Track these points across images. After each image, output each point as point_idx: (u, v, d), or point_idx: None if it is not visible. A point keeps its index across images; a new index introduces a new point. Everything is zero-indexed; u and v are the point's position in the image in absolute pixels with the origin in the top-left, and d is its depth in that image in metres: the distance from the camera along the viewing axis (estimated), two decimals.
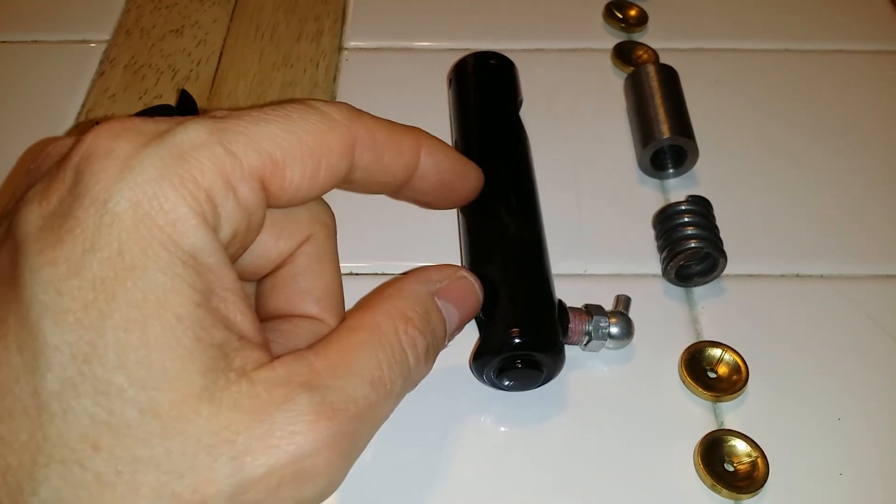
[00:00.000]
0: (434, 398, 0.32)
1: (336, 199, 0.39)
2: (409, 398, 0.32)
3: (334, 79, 0.45)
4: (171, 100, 0.43)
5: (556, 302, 0.32)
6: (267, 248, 0.25)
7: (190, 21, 0.48)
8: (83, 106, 0.43)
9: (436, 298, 0.27)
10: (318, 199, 0.27)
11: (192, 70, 0.45)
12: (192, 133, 0.21)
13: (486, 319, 0.31)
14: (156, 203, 0.20)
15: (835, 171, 0.41)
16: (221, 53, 0.46)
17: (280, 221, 0.25)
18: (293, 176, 0.23)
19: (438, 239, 0.37)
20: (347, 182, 0.25)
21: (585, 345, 0.32)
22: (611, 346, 0.32)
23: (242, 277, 0.26)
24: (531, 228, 0.33)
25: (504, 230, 0.32)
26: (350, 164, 0.24)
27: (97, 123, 0.21)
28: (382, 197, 0.39)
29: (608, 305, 0.34)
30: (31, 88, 0.45)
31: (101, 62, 0.46)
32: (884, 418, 0.32)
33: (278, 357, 0.22)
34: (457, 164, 0.29)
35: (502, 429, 0.32)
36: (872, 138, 0.42)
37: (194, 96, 0.41)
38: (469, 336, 0.33)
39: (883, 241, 0.38)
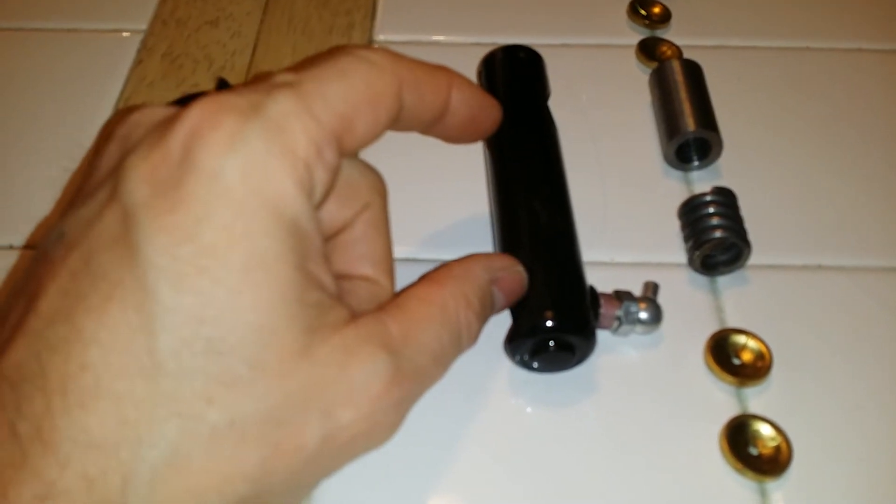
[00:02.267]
0: (467, 378, 0.33)
1: None
2: (442, 382, 0.33)
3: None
4: (208, 88, 0.44)
5: (588, 287, 0.33)
6: (333, 214, 0.27)
7: (224, 13, 0.49)
8: (122, 93, 0.44)
9: (492, 286, 0.29)
10: (374, 168, 0.28)
11: (227, 60, 0.46)
12: (281, 104, 0.22)
13: (520, 302, 0.32)
14: (264, 175, 0.21)
15: (856, 165, 0.42)
16: (255, 45, 0.47)
17: (344, 190, 0.27)
18: (360, 128, 0.24)
19: (471, 225, 0.38)
20: (395, 122, 0.26)
21: (615, 329, 0.33)
22: (640, 331, 0.33)
23: None
24: (562, 216, 0.34)
25: (536, 217, 0.33)
26: (400, 106, 0.25)
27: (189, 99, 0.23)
28: (415, 184, 0.40)
29: (636, 292, 0.35)
30: (70, 76, 0.46)
31: (139, 51, 0.47)
32: None
33: (359, 316, 0.23)
34: (481, 99, 0.30)
35: (529, 409, 0.33)
36: (893, 134, 0.43)
37: (231, 84, 0.42)
38: (500, 318, 0.34)
39: None
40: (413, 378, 0.24)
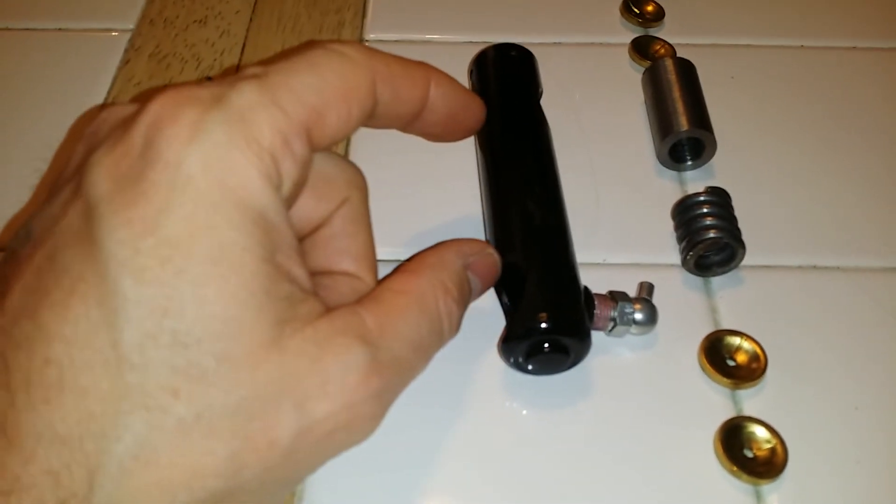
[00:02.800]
0: (461, 380, 0.33)
1: None
2: (437, 385, 0.33)
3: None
4: None
5: (582, 288, 0.32)
6: (309, 210, 0.26)
7: (213, 12, 0.49)
8: (109, 93, 0.44)
9: (468, 272, 0.29)
10: (352, 163, 0.28)
11: (215, 60, 0.46)
12: (246, 95, 0.22)
13: (514, 304, 0.31)
14: (226, 166, 0.21)
15: (851, 164, 0.41)
16: (244, 44, 0.47)
17: (320, 185, 0.26)
18: (332, 122, 0.24)
19: (464, 225, 0.38)
20: (370, 118, 0.26)
21: (610, 330, 0.33)
22: (635, 332, 0.33)
23: None
24: (556, 216, 0.34)
25: (530, 218, 0.33)
26: (374, 100, 0.25)
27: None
28: (407, 183, 0.40)
29: (630, 293, 0.34)
30: (57, 76, 0.45)
31: (126, 51, 0.46)
32: None
33: (334, 309, 0.23)
34: (462, 96, 0.30)
35: (524, 412, 0.32)
36: (888, 133, 0.43)
37: None
38: (495, 320, 0.34)
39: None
40: (392, 369, 0.23)
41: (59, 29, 0.48)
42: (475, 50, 0.42)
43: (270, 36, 0.47)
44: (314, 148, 0.24)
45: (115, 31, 0.48)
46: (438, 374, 0.33)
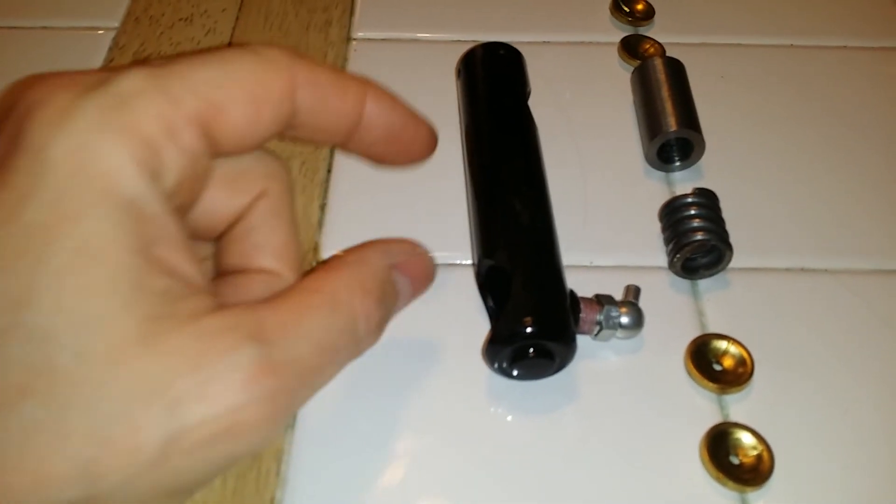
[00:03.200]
0: (444, 385, 0.32)
1: (342, 185, 0.39)
2: (419, 389, 0.32)
3: (343, 69, 0.45)
4: None
5: (568, 291, 0.32)
6: (219, 204, 0.25)
7: (199, 10, 0.48)
8: None
9: (393, 272, 0.27)
10: (273, 155, 0.27)
11: None
12: (130, 81, 0.21)
13: (499, 308, 0.31)
14: (93, 151, 0.20)
15: (840, 165, 0.41)
16: (230, 42, 0.46)
17: (232, 177, 0.25)
18: (235, 119, 0.22)
19: (448, 226, 0.37)
20: (293, 127, 0.25)
21: (596, 334, 0.33)
22: (621, 335, 0.33)
23: (199, 236, 0.26)
24: (542, 217, 0.33)
25: (516, 218, 0.33)
26: (292, 106, 0.24)
27: None
28: (389, 183, 0.39)
29: (616, 296, 0.34)
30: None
31: (111, 49, 0.46)
32: (889, 412, 0.32)
33: (228, 306, 0.21)
34: (405, 117, 0.28)
35: (509, 418, 0.32)
36: (878, 134, 0.42)
37: None
38: (478, 325, 0.34)
39: (888, 236, 0.38)
40: (290, 370, 0.21)
41: (44, 27, 0.47)
42: (464, 48, 0.42)
43: (257, 34, 0.47)
44: (218, 146, 0.22)
45: (100, 29, 0.47)
46: (421, 378, 0.33)
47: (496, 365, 0.31)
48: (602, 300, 0.33)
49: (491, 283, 0.32)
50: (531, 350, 0.30)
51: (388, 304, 0.26)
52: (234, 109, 0.22)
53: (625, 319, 0.32)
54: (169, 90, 0.21)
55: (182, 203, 0.23)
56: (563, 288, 0.32)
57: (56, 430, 0.18)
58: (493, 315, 0.32)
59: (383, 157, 0.28)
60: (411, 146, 0.29)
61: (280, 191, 0.26)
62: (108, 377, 0.19)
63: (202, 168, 0.23)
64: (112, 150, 0.20)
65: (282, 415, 0.21)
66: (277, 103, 0.23)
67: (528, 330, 0.29)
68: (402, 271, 0.27)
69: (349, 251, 0.27)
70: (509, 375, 0.32)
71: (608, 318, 0.32)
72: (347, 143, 0.27)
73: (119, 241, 0.19)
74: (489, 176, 0.35)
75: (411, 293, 0.28)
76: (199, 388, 0.19)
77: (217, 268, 0.26)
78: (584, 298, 0.32)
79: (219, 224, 0.26)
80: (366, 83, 0.26)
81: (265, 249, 0.26)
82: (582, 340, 0.33)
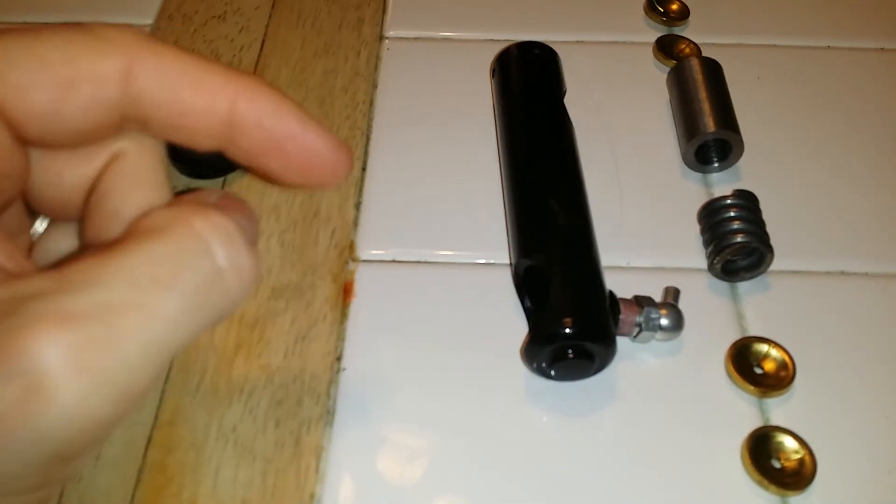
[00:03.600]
0: (482, 386, 0.32)
1: (377, 183, 0.39)
2: (458, 388, 0.32)
3: (375, 67, 0.45)
4: None
5: (608, 292, 0.32)
6: (63, 176, 0.22)
7: (232, 7, 0.48)
8: None
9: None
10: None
11: (234, 56, 0.45)
12: None
13: (537, 308, 0.31)
14: None
15: (880, 167, 0.40)
16: (264, 40, 0.46)
17: (81, 147, 0.22)
18: (36, 102, 0.20)
19: (484, 226, 0.37)
20: (140, 121, 0.21)
21: (635, 336, 0.32)
22: (660, 337, 0.32)
23: (56, 213, 0.23)
24: (580, 217, 0.33)
25: (554, 218, 0.32)
26: (124, 91, 0.20)
27: None
28: (425, 182, 0.39)
29: (655, 298, 0.34)
30: None
31: None
32: None
33: (17, 276, 0.18)
34: (292, 124, 0.22)
35: (545, 419, 0.32)
36: None
37: None
38: (516, 325, 0.33)
39: None
40: (91, 316, 0.17)
41: (78, 24, 0.47)
42: (497, 48, 0.42)
43: (290, 31, 0.47)
44: (25, 131, 0.20)
45: (137, 25, 0.47)
46: (458, 377, 0.32)
47: (535, 365, 0.31)
48: (641, 301, 0.32)
49: (529, 283, 0.32)
50: (570, 351, 0.30)
51: (241, 222, 0.21)
52: (34, 92, 0.20)
53: (665, 321, 0.32)
54: None
55: None
56: (603, 288, 0.32)
57: None
58: (531, 315, 0.32)
59: (270, 172, 0.23)
60: (304, 163, 0.23)
61: (137, 150, 0.22)
62: None
63: (7, 152, 0.20)
64: None
65: (100, 376, 0.17)
66: (96, 86, 0.20)
67: (569, 331, 0.29)
68: (225, 209, 0.21)
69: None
70: (548, 376, 0.32)
71: (648, 319, 0.32)
72: (227, 148, 0.23)
73: None
74: (526, 176, 0.35)
75: (248, 220, 0.22)
76: None
77: (82, 246, 0.23)
78: (623, 300, 0.32)
79: (72, 197, 0.22)
80: (241, 78, 0.22)
81: (121, 215, 0.21)
82: (621, 342, 0.32)
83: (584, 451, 0.31)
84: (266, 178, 0.24)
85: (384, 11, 0.49)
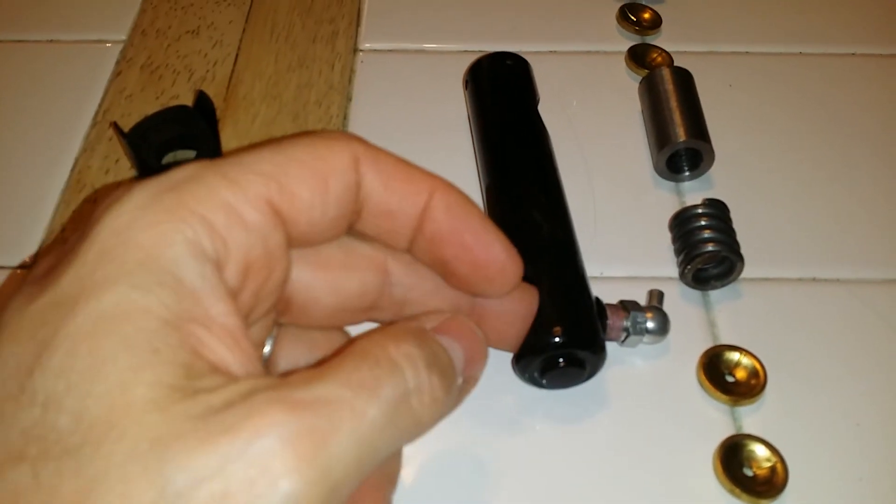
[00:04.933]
0: (473, 397, 0.32)
1: None
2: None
3: (350, 80, 0.45)
4: (187, 100, 0.43)
5: (594, 299, 0.32)
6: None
7: (206, 22, 0.48)
8: (100, 106, 0.43)
9: (433, 333, 0.24)
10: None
11: (208, 71, 0.45)
12: (187, 170, 0.21)
13: None
14: (138, 224, 0.19)
15: (851, 174, 0.41)
16: (237, 54, 0.46)
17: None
18: (302, 193, 0.22)
19: None
20: (360, 212, 0.24)
21: (623, 341, 0.32)
22: (647, 341, 0.33)
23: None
24: (563, 227, 0.34)
25: (537, 229, 0.33)
26: (357, 178, 0.23)
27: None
28: None
29: (649, 289, 0.34)
30: (48, 88, 0.45)
31: (118, 62, 0.46)
32: None
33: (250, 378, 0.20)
34: (478, 222, 0.26)
35: (537, 427, 0.32)
36: (887, 142, 0.42)
37: (211, 97, 0.41)
38: None
39: None
40: (312, 406, 0.18)
41: (51, 40, 0.47)
42: (471, 58, 0.42)
43: (263, 46, 0.47)
44: (293, 224, 0.22)
45: (108, 42, 0.47)
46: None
47: (527, 375, 0.31)
48: (628, 306, 0.33)
49: None
50: (561, 360, 0.30)
51: (435, 353, 0.23)
52: (299, 185, 0.22)
53: (651, 324, 0.32)
54: (226, 172, 0.21)
55: (258, 287, 0.22)
56: (590, 296, 0.32)
57: (45, 492, 0.17)
58: None
59: (452, 264, 0.26)
60: (478, 256, 0.26)
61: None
62: (106, 441, 0.17)
63: (276, 247, 0.22)
64: (157, 225, 0.19)
65: (312, 461, 0.18)
66: (341, 174, 0.23)
67: (559, 339, 0.29)
68: (441, 332, 0.24)
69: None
70: (539, 385, 0.32)
71: (635, 323, 0.32)
72: (414, 239, 0.25)
73: (148, 308, 0.18)
74: (506, 187, 0.35)
75: (463, 351, 0.24)
76: (201, 442, 0.17)
77: None
78: (609, 305, 0.32)
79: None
80: (436, 176, 0.25)
81: None
82: (608, 347, 0.33)
83: (566, 458, 0.31)
84: (438, 269, 0.26)
85: (358, 24, 0.49)
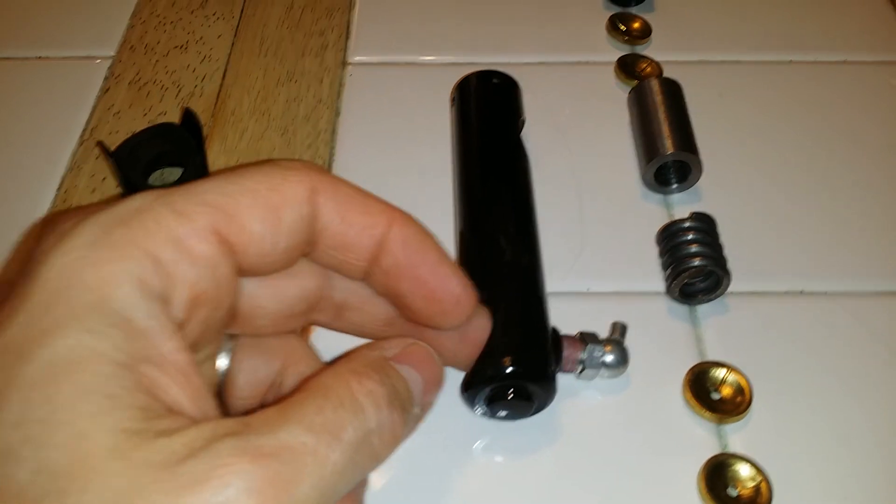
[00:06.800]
0: (424, 426, 0.32)
1: None
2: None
3: (338, 94, 0.45)
4: (175, 117, 0.43)
5: (550, 330, 0.31)
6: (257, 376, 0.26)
7: (194, 37, 0.48)
8: (88, 123, 0.43)
9: (391, 362, 0.24)
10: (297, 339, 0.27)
11: (196, 86, 0.45)
12: (136, 201, 0.21)
13: None
14: (85, 266, 0.19)
15: (839, 185, 0.40)
16: (226, 69, 0.46)
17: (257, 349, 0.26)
18: (252, 224, 0.22)
19: None
20: (315, 244, 0.24)
21: (580, 373, 0.32)
22: (605, 375, 0.32)
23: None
24: (528, 254, 0.33)
25: (500, 255, 0.32)
26: (313, 211, 0.23)
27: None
28: None
29: (614, 319, 0.34)
30: (37, 105, 0.45)
31: (106, 78, 0.46)
32: (891, 441, 0.32)
33: (210, 421, 0.19)
34: (434, 256, 0.26)
35: (497, 458, 0.32)
36: (878, 152, 0.42)
37: (199, 112, 0.41)
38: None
39: (889, 257, 0.37)
40: (278, 455, 0.18)
41: (39, 57, 0.47)
42: (460, 71, 0.42)
43: (252, 60, 0.47)
44: (242, 255, 0.22)
45: (97, 58, 0.47)
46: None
47: (475, 404, 0.31)
48: (586, 338, 0.32)
49: None
50: (509, 391, 0.30)
51: (394, 385, 0.23)
52: (250, 216, 0.22)
53: (609, 358, 0.32)
54: (174, 204, 0.21)
55: (206, 316, 0.22)
56: (545, 326, 0.31)
57: None
58: None
59: (407, 298, 0.26)
60: (433, 289, 0.26)
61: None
62: (70, 492, 0.17)
63: (224, 278, 0.22)
64: (105, 265, 0.19)
65: None
66: (296, 206, 0.23)
67: (507, 370, 0.29)
68: (401, 360, 0.24)
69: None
70: (488, 415, 0.31)
71: (591, 356, 0.32)
72: (370, 271, 0.25)
73: (101, 352, 0.18)
74: (476, 210, 0.35)
75: (423, 379, 0.25)
76: (169, 494, 0.17)
77: None
78: (566, 336, 0.32)
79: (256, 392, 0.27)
80: (394, 208, 0.25)
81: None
82: (567, 379, 0.32)
83: (533, 490, 0.30)
84: (393, 301, 0.26)
85: (348, 36, 0.49)
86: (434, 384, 0.26)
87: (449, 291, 0.26)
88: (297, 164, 0.23)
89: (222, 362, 0.26)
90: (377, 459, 0.21)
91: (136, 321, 0.19)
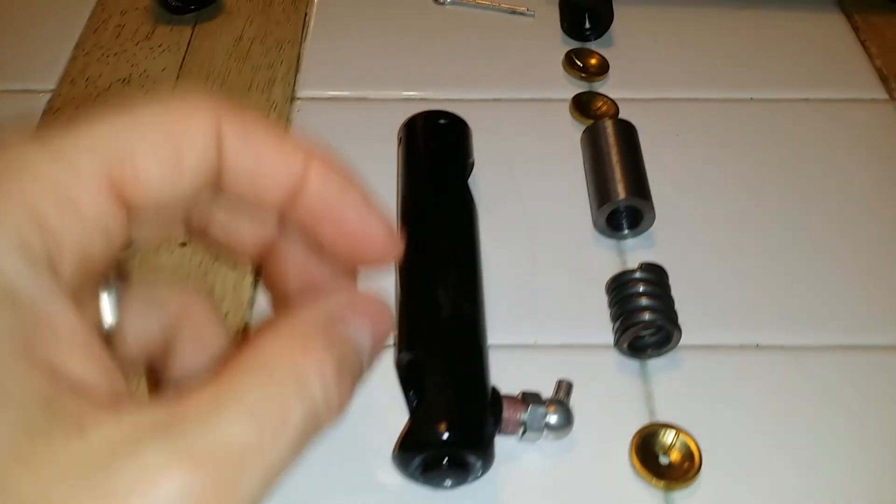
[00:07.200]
0: (355, 487, 0.30)
1: None
2: (326, 488, 0.30)
3: (285, 130, 0.43)
4: None
5: (489, 390, 0.30)
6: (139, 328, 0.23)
7: (138, 69, 0.47)
8: None
9: (340, 322, 0.21)
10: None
11: None
12: (13, 150, 0.18)
13: (415, 409, 0.29)
14: None
15: (799, 233, 0.39)
16: None
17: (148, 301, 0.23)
18: (149, 167, 0.19)
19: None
20: (223, 186, 0.21)
21: (522, 435, 0.31)
22: (549, 436, 0.31)
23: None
24: (469, 307, 0.32)
25: (438, 309, 0.31)
26: (219, 146, 0.20)
27: None
28: None
29: (560, 375, 0.32)
30: None
31: (45, 113, 0.44)
32: None
33: (130, 407, 0.17)
34: (357, 199, 0.23)
35: None
36: (840, 196, 0.41)
37: None
38: (394, 421, 0.31)
39: (846, 311, 0.36)
40: (215, 457, 0.16)
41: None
42: (411, 106, 0.40)
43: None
44: (137, 201, 0.19)
45: (38, 91, 0.45)
46: (328, 476, 0.30)
47: (408, 471, 0.29)
48: (528, 399, 0.31)
49: (410, 377, 0.30)
50: (445, 459, 0.28)
51: (342, 348, 0.21)
52: (147, 158, 0.19)
53: (552, 419, 0.30)
54: (60, 153, 0.18)
55: (95, 270, 0.19)
56: (484, 387, 0.30)
57: None
58: (412, 412, 0.30)
59: (329, 241, 0.23)
60: (362, 238, 0.23)
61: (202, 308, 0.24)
62: None
63: (116, 237, 0.19)
64: None
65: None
66: (200, 147, 0.20)
67: (443, 437, 0.27)
68: (351, 312, 0.22)
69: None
70: (422, 482, 0.30)
71: (533, 418, 0.30)
72: (286, 215, 0.23)
73: None
74: (416, 261, 0.33)
75: (371, 333, 0.22)
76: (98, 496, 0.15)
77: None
78: (507, 397, 0.30)
79: (145, 347, 0.23)
80: (316, 147, 0.22)
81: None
82: (508, 442, 0.31)
83: None
84: (316, 247, 0.24)
85: (297, 70, 0.47)
86: (383, 339, 0.23)
87: (374, 236, 0.23)
88: (201, 96, 0.20)
89: (110, 318, 0.23)
90: (321, 433, 0.19)
91: (23, 295, 0.17)
